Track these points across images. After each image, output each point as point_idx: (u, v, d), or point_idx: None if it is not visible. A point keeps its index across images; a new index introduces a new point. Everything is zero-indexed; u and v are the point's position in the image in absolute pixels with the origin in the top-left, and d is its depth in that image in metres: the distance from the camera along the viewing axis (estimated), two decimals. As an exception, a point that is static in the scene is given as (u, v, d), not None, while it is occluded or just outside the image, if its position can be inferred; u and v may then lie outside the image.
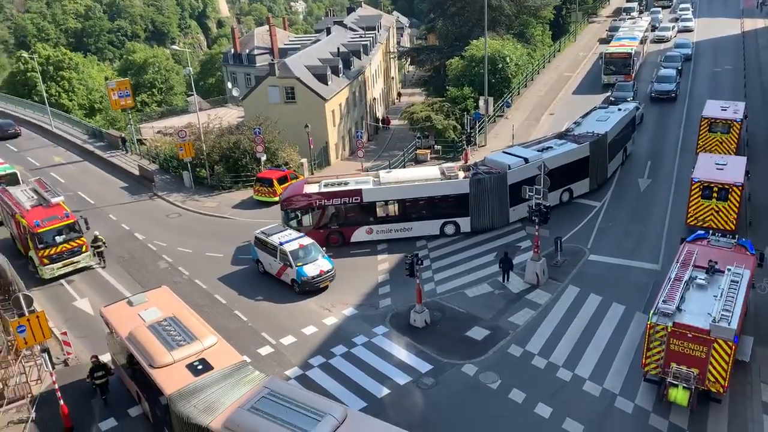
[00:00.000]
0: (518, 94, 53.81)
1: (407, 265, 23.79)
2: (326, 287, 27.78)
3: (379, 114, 71.51)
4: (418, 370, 22.14)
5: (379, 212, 31.16)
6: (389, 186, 30.98)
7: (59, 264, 29.86)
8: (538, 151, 32.65)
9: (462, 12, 62.42)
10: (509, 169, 30.83)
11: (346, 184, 31.54)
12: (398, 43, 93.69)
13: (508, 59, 51.76)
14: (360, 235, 31.40)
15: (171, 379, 17.82)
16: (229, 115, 63.56)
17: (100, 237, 31.51)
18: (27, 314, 20.30)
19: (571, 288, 26.17)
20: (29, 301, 20.84)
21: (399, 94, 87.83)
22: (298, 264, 27.37)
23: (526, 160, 31.37)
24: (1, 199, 33.14)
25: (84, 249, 30.53)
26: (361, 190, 30.67)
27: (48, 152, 51.98)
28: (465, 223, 31.23)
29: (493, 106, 46.88)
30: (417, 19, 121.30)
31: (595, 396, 20.20)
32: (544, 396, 20.30)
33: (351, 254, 30.73)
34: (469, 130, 41.79)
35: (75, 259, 30.33)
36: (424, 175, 31.75)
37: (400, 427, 15.85)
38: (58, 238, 29.79)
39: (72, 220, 30.33)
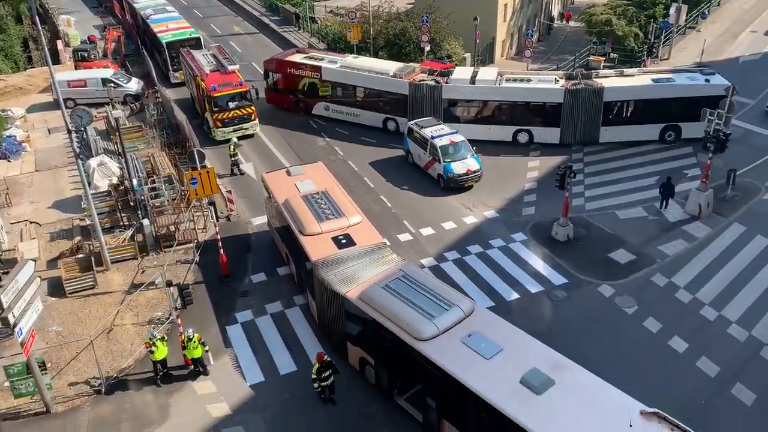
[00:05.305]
0: (718, 5, 47.70)
1: (558, 177, 23.00)
2: (471, 187, 27.81)
3: (555, 12, 66.94)
4: (552, 281, 21.98)
5: (335, 92, 33.35)
6: (343, 70, 32.81)
7: (230, 128, 32.25)
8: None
9: None
10: (446, 83, 30.82)
11: (321, 60, 33.90)
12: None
13: (714, -38, 45.67)
14: (319, 109, 34.27)
15: (317, 247, 19.17)
16: (400, 1, 62.57)
17: (235, 147, 29.98)
18: (199, 168, 22.46)
19: (736, 225, 24.12)
20: (202, 157, 22.94)
21: None
22: (446, 160, 27.46)
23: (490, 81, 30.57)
24: (185, 61, 35.92)
25: (253, 117, 32.60)
26: (321, 67, 33.16)
27: (229, 21, 54.89)
28: (403, 124, 31.15)
29: (686, 15, 42.08)
30: None
31: (740, 341, 19.01)
32: (682, 331, 19.43)
33: (501, 154, 30.28)
34: (652, 40, 38.10)
35: (244, 125, 32.53)
36: (379, 68, 32.68)
37: (524, 331, 16.03)
38: (231, 104, 31.97)
39: (245, 89, 32.29)
